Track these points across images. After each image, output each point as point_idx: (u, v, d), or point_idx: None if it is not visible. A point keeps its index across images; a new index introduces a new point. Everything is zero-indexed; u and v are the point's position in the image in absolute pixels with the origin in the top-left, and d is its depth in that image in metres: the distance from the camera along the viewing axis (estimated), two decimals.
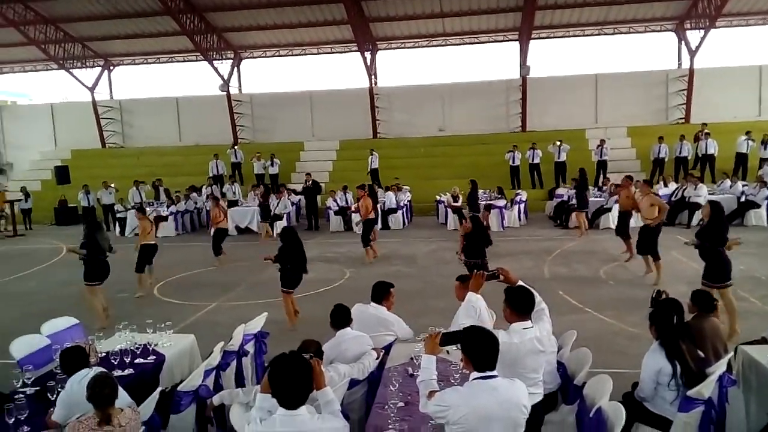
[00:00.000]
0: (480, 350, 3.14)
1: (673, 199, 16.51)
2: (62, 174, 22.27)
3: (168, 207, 18.60)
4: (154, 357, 5.28)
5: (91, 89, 27.03)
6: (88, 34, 24.96)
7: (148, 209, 16.64)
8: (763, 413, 4.56)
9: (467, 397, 3.06)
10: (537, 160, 20.71)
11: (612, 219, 15.57)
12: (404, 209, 18.45)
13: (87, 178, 22.11)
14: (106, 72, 28.00)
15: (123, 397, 3.99)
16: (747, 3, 21.99)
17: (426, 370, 3.44)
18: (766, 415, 4.00)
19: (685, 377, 4.19)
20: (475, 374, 3.15)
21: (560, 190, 18.88)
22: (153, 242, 10.96)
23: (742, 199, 15.96)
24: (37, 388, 4.59)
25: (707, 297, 5.25)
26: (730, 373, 4.69)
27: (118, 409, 3.67)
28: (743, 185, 16.83)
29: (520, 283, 4.30)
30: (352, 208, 16.88)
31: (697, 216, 15.53)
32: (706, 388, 4.10)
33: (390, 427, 3.77)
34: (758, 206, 15.52)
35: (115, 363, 5.02)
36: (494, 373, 3.14)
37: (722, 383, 4.36)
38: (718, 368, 4.31)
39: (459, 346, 3.34)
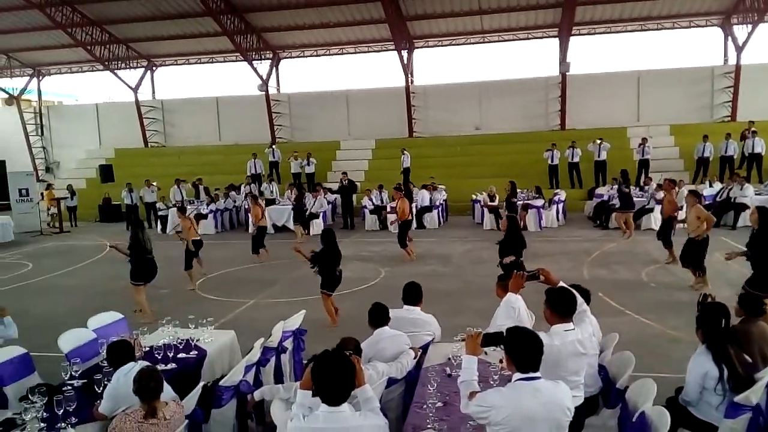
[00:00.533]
0: (524, 351, 3.12)
1: (718, 199, 16.04)
2: (106, 172, 22.97)
3: (207, 205, 18.98)
4: (196, 352, 5.40)
5: (135, 89, 27.78)
6: (132, 35, 25.64)
7: (189, 207, 17.25)
8: None
9: (510, 398, 3.04)
10: (576, 159, 20.36)
11: (654, 220, 15.21)
12: (440, 208, 18.39)
13: (130, 176, 22.69)
14: (148, 72, 28.71)
15: (167, 391, 4.08)
16: None
17: (467, 371, 3.43)
18: None
19: (732, 382, 4.08)
20: (518, 375, 3.13)
21: (600, 190, 18.52)
22: (198, 238, 11.35)
23: None
24: (85, 380, 4.71)
25: (756, 300, 5.09)
26: None
27: (163, 403, 3.77)
28: None
29: (561, 284, 4.24)
30: (388, 209, 16.92)
31: (743, 217, 15.07)
32: (755, 394, 3.98)
33: (428, 426, 3.77)
34: None
35: (159, 357, 5.15)
36: (537, 374, 3.12)
37: None
38: (767, 374, 4.17)
39: (501, 346, 3.32)
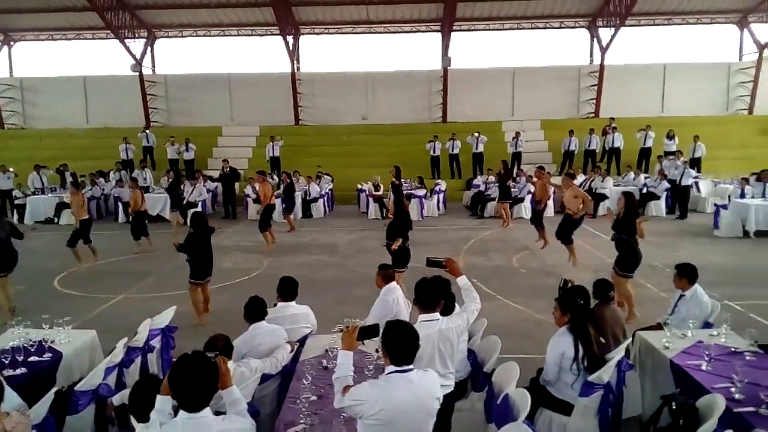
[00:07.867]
0: (399, 345, 3.12)
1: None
2: None
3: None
4: (50, 354, 4.98)
5: None
6: None
7: (49, 195, 16.08)
8: (657, 395, 4.85)
9: (383, 391, 3.04)
10: (456, 151, 21.06)
11: (524, 209, 16.20)
12: (325, 198, 18.30)
13: None
14: (6, 47, 26.04)
15: (12, 399, 3.73)
16: (654, 3, 23.17)
17: (342, 367, 3.36)
18: (660, 398, 4.24)
19: (587, 362, 4.37)
20: (391, 368, 3.12)
21: (477, 181, 19.33)
22: (86, 217, 11.50)
23: (644, 190, 16.95)
24: None
25: (605, 287, 5.54)
26: (628, 357, 4.96)
27: (4, 413, 3.41)
28: (645, 177, 17.91)
29: (462, 277, 4.35)
30: (252, 196, 16.64)
31: (603, 206, 16.36)
32: (606, 373, 4.31)
33: (301, 421, 3.72)
34: (658, 198, 16.54)
35: (6, 362, 4.69)
36: (410, 366, 3.13)
37: (620, 368, 4.60)
38: (617, 354, 4.53)
39: (380, 339, 3.29)
